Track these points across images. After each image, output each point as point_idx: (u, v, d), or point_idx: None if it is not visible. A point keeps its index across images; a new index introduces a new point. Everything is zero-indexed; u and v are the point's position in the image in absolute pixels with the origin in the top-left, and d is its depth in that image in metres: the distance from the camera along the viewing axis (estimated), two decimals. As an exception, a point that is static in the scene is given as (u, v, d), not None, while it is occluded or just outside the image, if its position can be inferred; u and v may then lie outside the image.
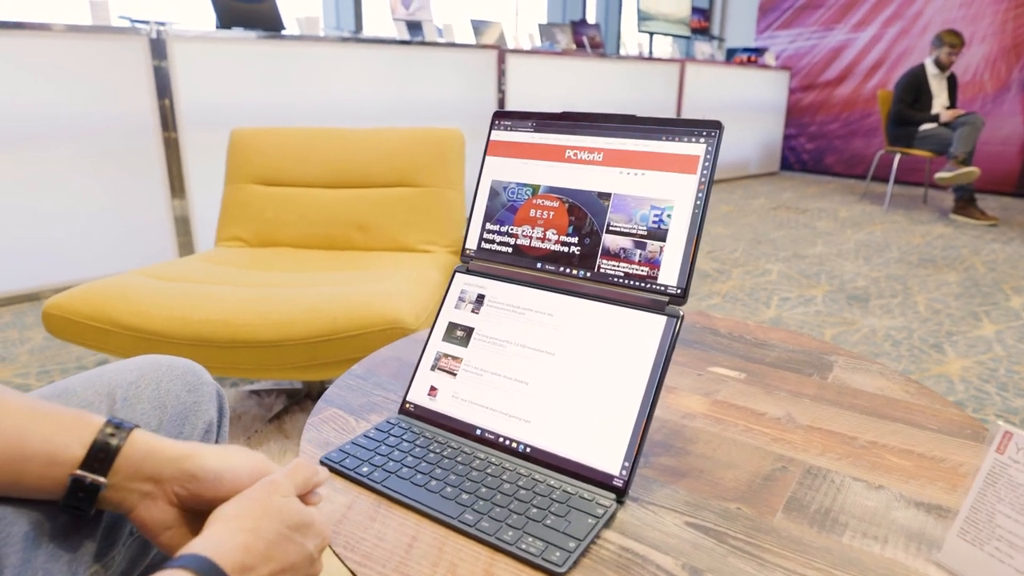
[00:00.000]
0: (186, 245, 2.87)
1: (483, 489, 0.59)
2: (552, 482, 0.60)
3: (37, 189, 2.49)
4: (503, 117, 0.77)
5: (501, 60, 3.90)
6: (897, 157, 4.57)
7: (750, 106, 5.94)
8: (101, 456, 0.43)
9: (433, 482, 0.61)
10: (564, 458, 0.62)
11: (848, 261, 3.28)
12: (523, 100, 4.05)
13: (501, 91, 3.94)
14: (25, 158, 2.44)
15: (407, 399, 0.73)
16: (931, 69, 4.53)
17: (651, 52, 5.48)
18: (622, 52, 5.27)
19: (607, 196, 0.68)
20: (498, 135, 0.77)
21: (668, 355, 0.61)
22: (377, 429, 0.70)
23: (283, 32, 3.03)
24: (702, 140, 0.63)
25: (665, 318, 0.63)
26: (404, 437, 0.68)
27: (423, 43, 3.52)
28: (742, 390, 0.82)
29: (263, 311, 1.19)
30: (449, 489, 0.60)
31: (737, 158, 5.97)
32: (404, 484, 0.60)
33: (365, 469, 0.63)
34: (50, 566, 0.45)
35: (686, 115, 5.12)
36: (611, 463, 0.60)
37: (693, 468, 0.65)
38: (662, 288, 0.63)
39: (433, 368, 0.73)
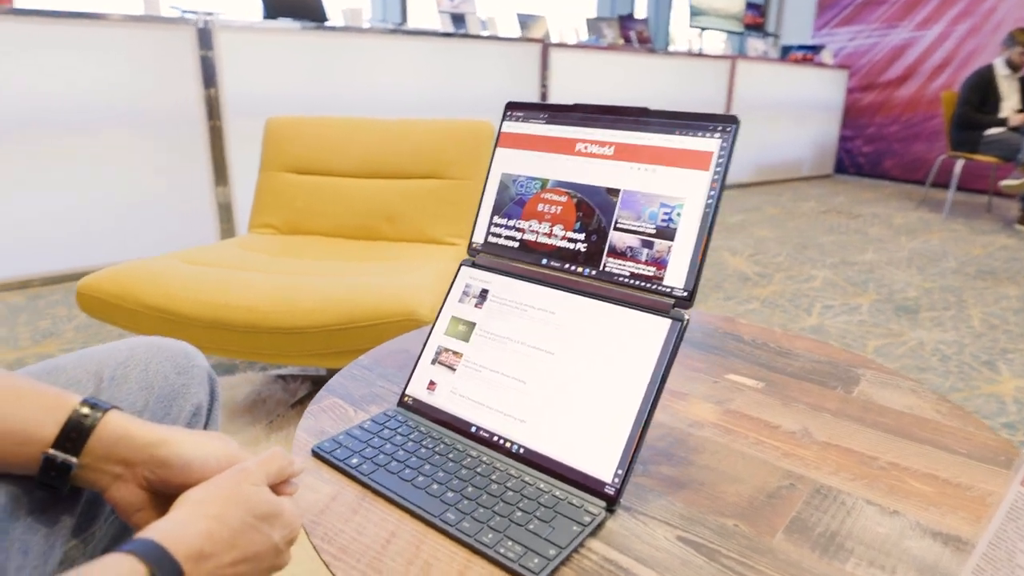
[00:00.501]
0: (228, 231, 2.94)
1: (470, 488, 0.58)
2: (542, 485, 0.58)
3: (88, 173, 2.58)
4: (515, 108, 0.75)
5: (545, 54, 3.86)
6: (960, 163, 4.35)
7: (804, 106, 5.75)
8: (73, 436, 0.43)
9: (420, 478, 0.59)
10: (556, 461, 0.60)
11: (900, 270, 3.14)
12: (566, 95, 4.01)
13: (544, 86, 3.91)
14: (78, 143, 2.53)
15: (406, 392, 0.72)
16: (1001, 70, 4.29)
17: (701, 48, 5.35)
18: (671, 48, 5.17)
19: (616, 192, 0.65)
20: (510, 126, 0.75)
21: (670, 360, 0.59)
22: (373, 421, 0.69)
23: (328, 23, 3.07)
24: (716, 135, 0.60)
25: (669, 321, 0.60)
26: (399, 431, 0.67)
27: (466, 36, 3.52)
28: (758, 400, 0.78)
29: (283, 299, 1.20)
30: (436, 486, 0.58)
31: (788, 159, 5.79)
32: (391, 478, 0.59)
33: (354, 461, 0.62)
34: (27, 538, 0.45)
35: (736, 114, 4.97)
36: (604, 469, 0.58)
37: (694, 480, 0.62)
38: (668, 289, 0.60)
39: (434, 362, 0.72)
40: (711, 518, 0.56)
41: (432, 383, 0.71)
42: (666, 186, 0.62)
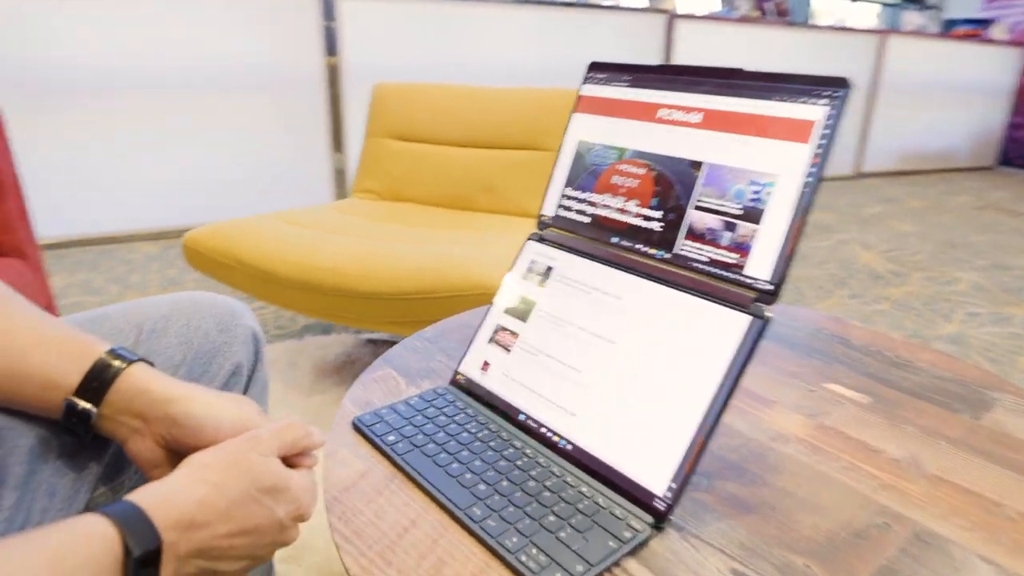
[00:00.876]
0: (341, 195, 3.05)
1: (505, 483, 0.53)
2: (584, 489, 0.53)
3: (218, 134, 2.76)
4: (598, 69, 0.67)
5: (670, 26, 3.66)
6: None
7: (964, 88, 5.09)
8: (95, 385, 0.43)
9: (455, 464, 0.55)
10: (604, 463, 0.54)
11: (1068, 279, 2.71)
12: (689, 70, 3.79)
13: (667, 59, 3.71)
14: (210, 106, 2.71)
15: (459, 370, 0.69)
16: None
17: (846, 21, 4.86)
18: (811, 21, 4.74)
19: (699, 165, 0.57)
20: (590, 89, 0.68)
21: (744, 363, 0.50)
22: (421, 397, 0.66)
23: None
24: (823, 102, 0.50)
25: (749, 318, 0.51)
26: (444, 410, 0.63)
27: (587, 5, 3.40)
28: (860, 417, 0.67)
29: (366, 264, 1.20)
30: (469, 476, 0.54)
31: (940, 147, 5.17)
32: (424, 461, 0.56)
33: (391, 438, 0.59)
34: (55, 480, 0.46)
35: (883, 95, 4.50)
36: (656, 479, 0.51)
37: (764, 503, 0.53)
38: (750, 281, 0.52)
39: (490, 341, 0.68)
40: (777, 552, 0.48)
41: (486, 363, 0.67)
42: (758, 160, 0.53)
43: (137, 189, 2.70)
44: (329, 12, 2.77)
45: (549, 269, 0.66)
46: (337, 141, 2.96)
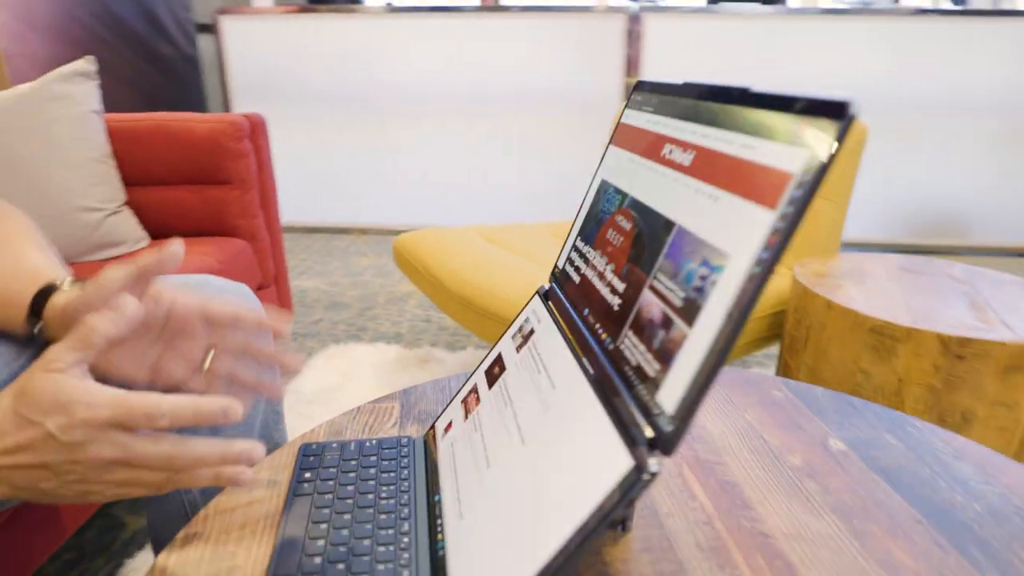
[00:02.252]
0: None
1: (341, 566, 0.44)
2: (409, 618, 0.41)
3: (511, 144, 2.99)
4: (641, 89, 0.52)
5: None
6: None
7: None
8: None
9: (322, 525, 0.48)
10: (450, 595, 0.41)
11: None
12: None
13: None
14: (509, 118, 2.95)
15: (435, 424, 0.61)
16: None
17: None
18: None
19: (671, 227, 0.39)
20: (628, 116, 0.53)
21: (603, 523, 0.33)
22: (380, 443, 0.60)
23: (784, 3, 2.79)
24: (806, 142, 0.30)
25: (627, 466, 0.33)
26: (383, 465, 0.56)
27: (969, 12, 2.74)
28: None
29: (520, 292, 1.15)
30: (319, 543, 0.47)
31: None
32: (300, 514, 0.50)
33: (308, 475, 0.55)
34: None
35: None
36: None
37: None
38: (657, 411, 0.34)
39: (463, 400, 0.58)
40: None
41: (450, 424, 0.58)
42: (719, 228, 0.34)
43: (439, 190, 3.11)
44: (634, 30, 2.77)
45: (531, 333, 0.54)
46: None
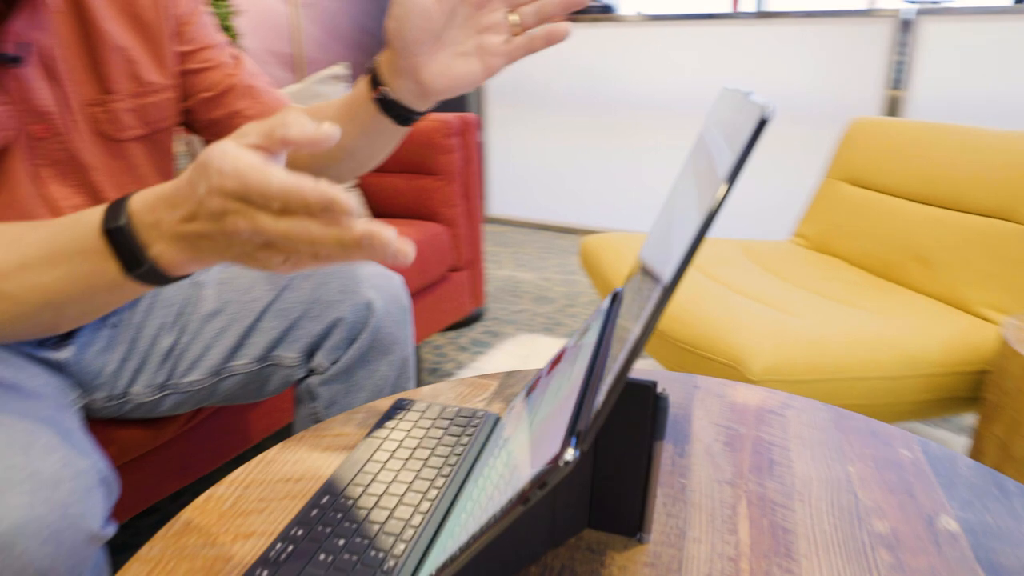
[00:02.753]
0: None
1: None
2: None
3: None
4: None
5: None
6: None
7: None
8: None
9: (367, 475, 0.55)
10: None
11: None
12: None
13: None
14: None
15: (512, 404, 0.64)
16: None
17: None
18: None
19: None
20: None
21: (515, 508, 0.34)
22: (458, 411, 0.65)
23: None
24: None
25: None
26: (449, 431, 0.62)
27: None
28: None
29: (701, 329, 1.09)
30: (358, 490, 0.54)
31: None
32: (361, 458, 0.58)
33: (387, 424, 0.62)
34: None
35: None
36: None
37: None
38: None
39: (530, 386, 0.61)
40: None
41: (515, 406, 0.61)
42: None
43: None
44: (903, 36, 2.43)
45: (587, 331, 0.55)
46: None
